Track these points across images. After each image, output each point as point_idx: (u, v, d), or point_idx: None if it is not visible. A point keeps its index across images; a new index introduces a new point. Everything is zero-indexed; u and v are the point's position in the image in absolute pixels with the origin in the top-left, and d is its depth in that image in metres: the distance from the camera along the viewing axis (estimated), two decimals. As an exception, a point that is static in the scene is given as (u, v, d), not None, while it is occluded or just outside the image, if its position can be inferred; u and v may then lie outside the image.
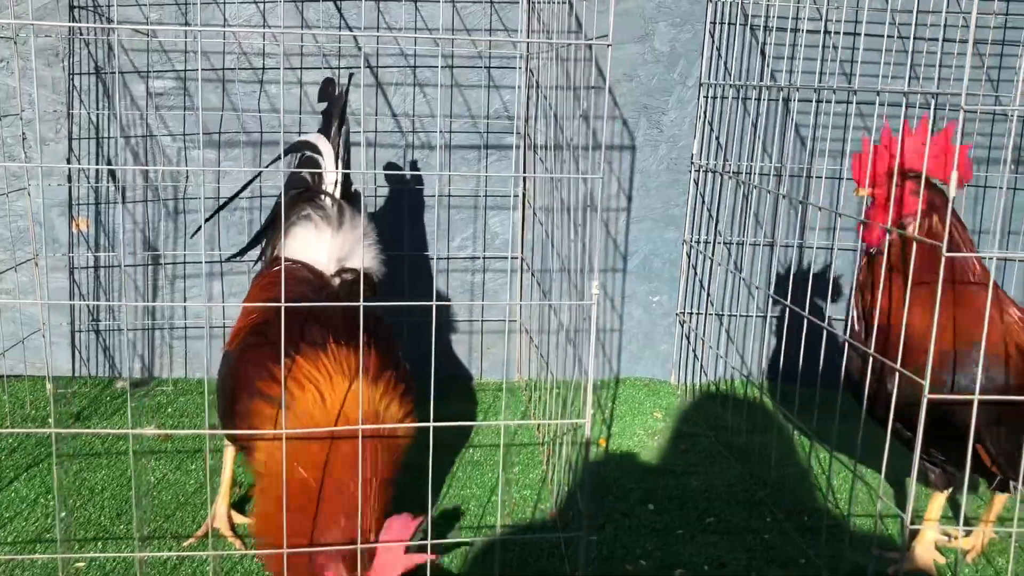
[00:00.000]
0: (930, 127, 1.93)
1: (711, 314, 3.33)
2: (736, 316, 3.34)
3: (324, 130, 2.44)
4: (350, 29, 3.12)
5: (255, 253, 2.53)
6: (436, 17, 3.14)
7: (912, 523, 2.15)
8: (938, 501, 2.17)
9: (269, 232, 2.47)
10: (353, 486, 1.66)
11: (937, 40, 3.24)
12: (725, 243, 3.30)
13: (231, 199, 2.52)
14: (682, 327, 3.36)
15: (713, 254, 3.28)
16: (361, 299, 1.69)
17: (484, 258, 3.32)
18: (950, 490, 2.15)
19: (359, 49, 3.14)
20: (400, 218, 3.25)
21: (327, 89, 2.60)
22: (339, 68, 3.15)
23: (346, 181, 2.45)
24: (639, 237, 3.36)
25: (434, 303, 1.66)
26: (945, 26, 3.25)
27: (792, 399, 2.41)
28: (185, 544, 2.13)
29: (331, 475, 1.71)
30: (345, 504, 1.68)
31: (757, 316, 3.35)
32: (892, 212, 1.97)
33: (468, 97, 3.21)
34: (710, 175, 3.25)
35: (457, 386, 3.30)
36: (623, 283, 3.39)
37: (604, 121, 2.53)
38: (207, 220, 3.05)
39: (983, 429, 1.88)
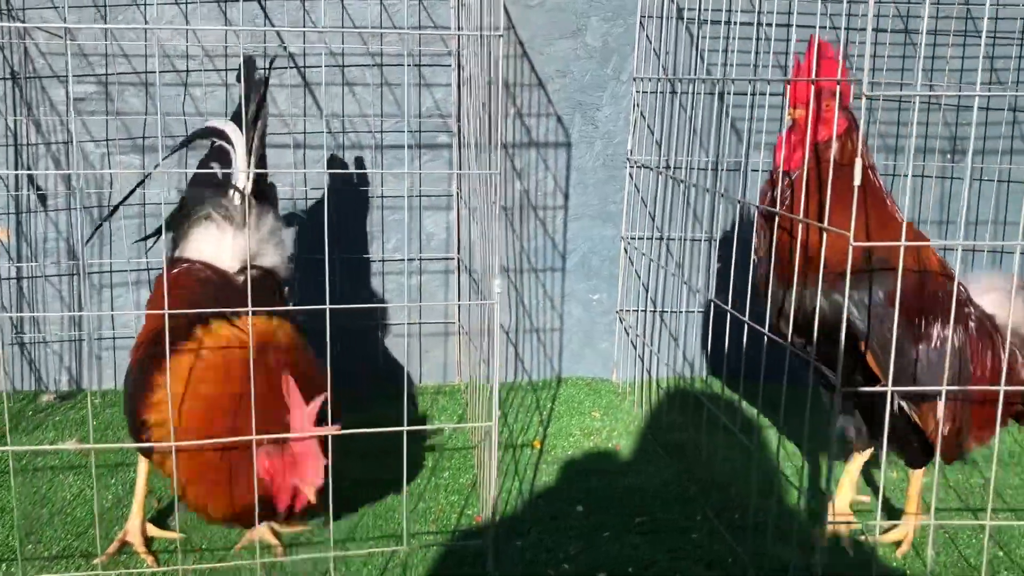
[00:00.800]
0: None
1: (650, 311, 3.30)
2: (675, 312, 3.31)
3: (236, 117, 2.33)
4: (275, 29, 3.06)
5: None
6: (364, 15, 3.08)
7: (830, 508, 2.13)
8: (856, 462, 2.16)
9: (174, 230, 2.37)
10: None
11: (866, 30, 3.24)
12: (662, 239, 3.27)
13: (123, 200, 2.44)
14: (622, 324, 3.32)
15: (651, 250, 3.25)
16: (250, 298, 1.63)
17: (420, 259, 3.27)
18: (869, 451, 2.14)
19: (284, 49, 3.07)
20: (332, 220, 3.18)
21: (248, 70, 2.42)
22: (266, 68, 3.07)
23: (259, 175, 2.34)
24: (578, 235, 3.32)
25: (327, 307, 1.61)
26: (878, 16, 3.25)
27: (732, 395, 2.38)
28: (95, 562, 2.06)
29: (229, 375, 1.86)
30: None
31: (698, 312, 3.32)
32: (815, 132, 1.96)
33: (399, 96, 3.15)
34: (646, 171, 3.22)
35: (395, 390, 3.24)
36: (563, 282, 3.35)
37: (500, 117, 2.48)
38: (100, 225, 2.99)
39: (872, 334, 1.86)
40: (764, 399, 2.32)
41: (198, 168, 2.38)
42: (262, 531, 2.12)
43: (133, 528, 2.14)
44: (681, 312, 3.32)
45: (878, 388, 1.70)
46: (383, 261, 3.24)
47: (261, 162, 2.35)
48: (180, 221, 2.30)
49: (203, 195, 2.27)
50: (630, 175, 3.22)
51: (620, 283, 3.31)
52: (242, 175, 2.28)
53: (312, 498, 1.76)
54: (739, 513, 2.30)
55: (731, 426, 2.20)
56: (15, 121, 2.98)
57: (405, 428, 1.67)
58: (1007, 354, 1.94)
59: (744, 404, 2.15)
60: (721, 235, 3.31)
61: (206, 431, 1.81)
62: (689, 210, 3.27)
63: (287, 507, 1.80)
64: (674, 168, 3.19)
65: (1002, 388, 1.74)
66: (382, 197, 3.21)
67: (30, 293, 3.08)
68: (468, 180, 3.24)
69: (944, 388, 1.76)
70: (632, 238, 3.25)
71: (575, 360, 3.39)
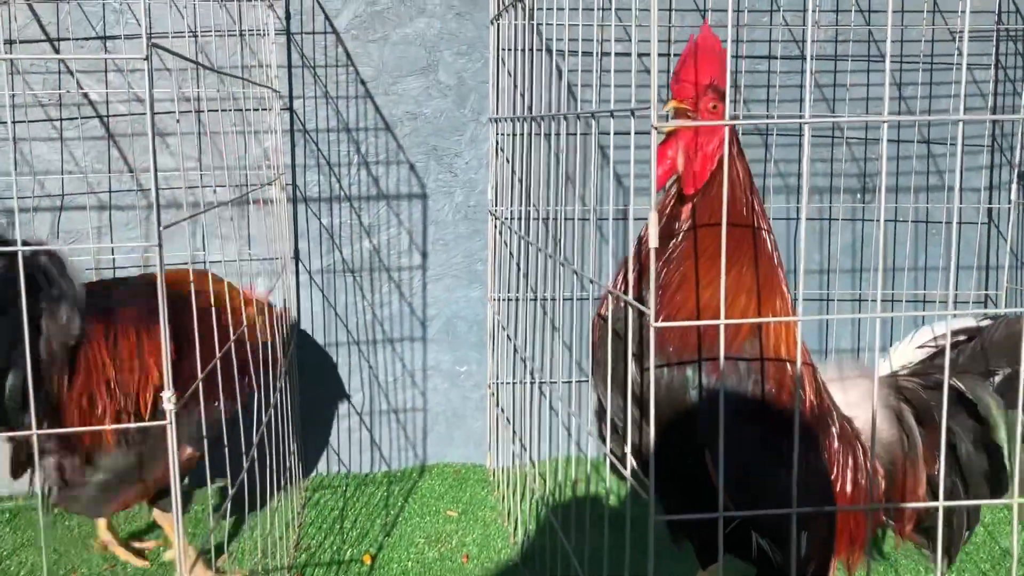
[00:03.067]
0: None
1: (527, 382, 2.85)
2: (557, 383, 2.87)
3: None
4: (72, 74, 2.63)
5: None
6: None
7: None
8: None
9: None
10: None
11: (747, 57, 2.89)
12: (535, 299, 2.84)
13: None
14: (494, 399, 2.87)
15: (522, 313, 2.81)
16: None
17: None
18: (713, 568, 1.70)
19: (84, 96, 2.64)
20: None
21: None
22: (60, 119, 2.65)
23: None
24: (439, 298, 2.89)
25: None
26: (771, 42, 2.88)
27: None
28: None
29: None
30: None
31: (576, 382, 2.89)
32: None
33: (221, 146, 2.72)
34: (511, 223, 2.79)
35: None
36: (424, 353, 2.90)
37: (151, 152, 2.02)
38: None
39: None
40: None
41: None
42: None
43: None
44: (564, 383, 2.88)
45: (705, 515, 1.25)
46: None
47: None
48: None
49: None
50: (494, 227, 2.80)
51: (489, 352, 2.86)
52: None
53: None
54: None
55: (565, 540, 1.75)
56: None
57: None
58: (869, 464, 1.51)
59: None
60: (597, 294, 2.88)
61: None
62: (561, 266, 2.84)
63: None
64: (545, 219, 2.77)
65: (868, 507, 1.30)
66: (205, 263, 2.76)
67: None
68: (308, 239, 2.80)
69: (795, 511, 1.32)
70: (500, 299, 2.81)
71: (442, 444, 2.93)
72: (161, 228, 1.22)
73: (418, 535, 2.40)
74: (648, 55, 2.57)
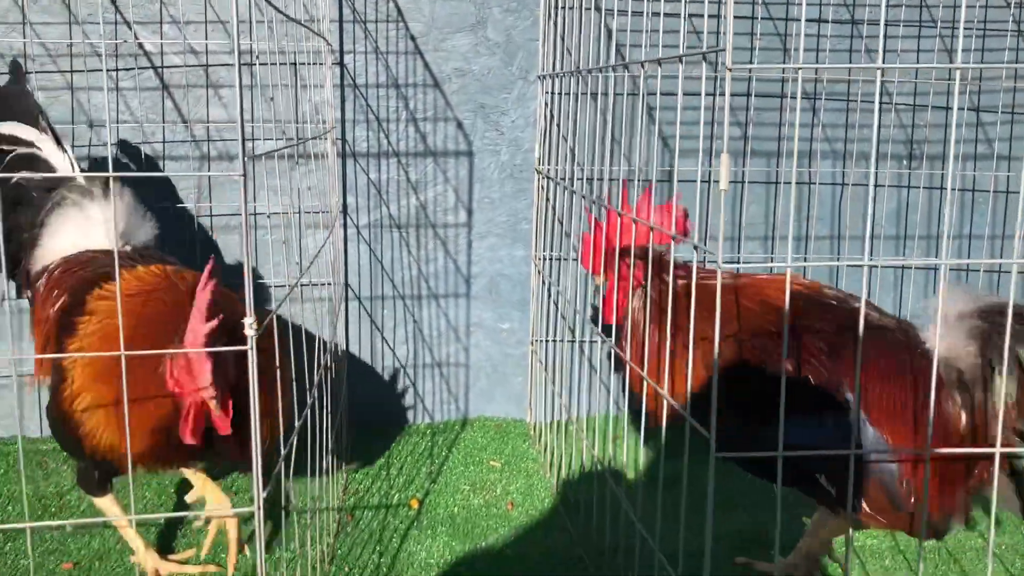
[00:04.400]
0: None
1: (568, 341, 2.89)
2: (597, 342, 2.90)
3: (19, 117, 2.03)
4: (128, 24, 2.67)
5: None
6: (227, 6, 2.69)
7: None
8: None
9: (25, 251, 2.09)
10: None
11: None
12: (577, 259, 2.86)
13: None
14: (536, 357, 2.91)
15: (564, 273, 2.84)
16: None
17: (301, 285, 2.85)
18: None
19: (139, 46, 2.68)
20: (195, 240, 2.78)
21: (17, 72, 2.33)
22: (116, 69, 2.69)
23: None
24: (484, 256, 2.92)
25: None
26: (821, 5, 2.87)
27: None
28: None
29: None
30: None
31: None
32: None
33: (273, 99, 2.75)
34: (557, 182, 2.82)
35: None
36: (468, 309, 2.94)
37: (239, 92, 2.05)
38: None
39: None
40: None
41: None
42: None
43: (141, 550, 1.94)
44: (604, 341, 2.90)
45: (768, 453, 1.28)
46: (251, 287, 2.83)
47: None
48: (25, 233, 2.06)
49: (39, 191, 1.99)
50: (540, 187, 2.82)
51: (532, 311, 2.90)
52: (57, 157, 2.00)
53: (217, 411, 1.56)
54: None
55: (614, 485, 1.79)
56: None
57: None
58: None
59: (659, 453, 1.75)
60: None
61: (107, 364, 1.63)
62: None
63: (197, 429, 1.58)
64: (591, 179, 2.79)
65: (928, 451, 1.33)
66: (254, 214, 2.81)
67: None
68: (356, 193, 2.84)
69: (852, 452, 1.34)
70: (544, 259, 2.84)
71: (484, 399, 2.98)
72: (245, 158, 1.25)
73: (463, 483, 2.45)
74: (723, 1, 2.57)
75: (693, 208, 1.89)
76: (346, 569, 2.00)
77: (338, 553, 2.06)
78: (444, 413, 2.97)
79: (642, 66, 1.71)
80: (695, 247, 1.49)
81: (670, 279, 1.71)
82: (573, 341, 2.86)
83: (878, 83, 1.25)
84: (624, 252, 1.89)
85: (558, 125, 2.78)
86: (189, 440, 1.58)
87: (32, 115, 2.11)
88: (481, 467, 2.56)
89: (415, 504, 2.32)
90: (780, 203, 2.96)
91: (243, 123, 1.26)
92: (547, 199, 2.81)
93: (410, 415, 2.95)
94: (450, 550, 2.09)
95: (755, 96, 2.87)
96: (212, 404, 1.56)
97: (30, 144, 2.04)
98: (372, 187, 2.85)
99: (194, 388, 1.54)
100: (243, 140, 1.26)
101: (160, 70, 2.71)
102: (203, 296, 1.53)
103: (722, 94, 2.81)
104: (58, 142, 2.10)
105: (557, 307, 2.87)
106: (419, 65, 2.81)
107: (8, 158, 2.05)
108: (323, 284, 2.88)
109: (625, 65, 2.75)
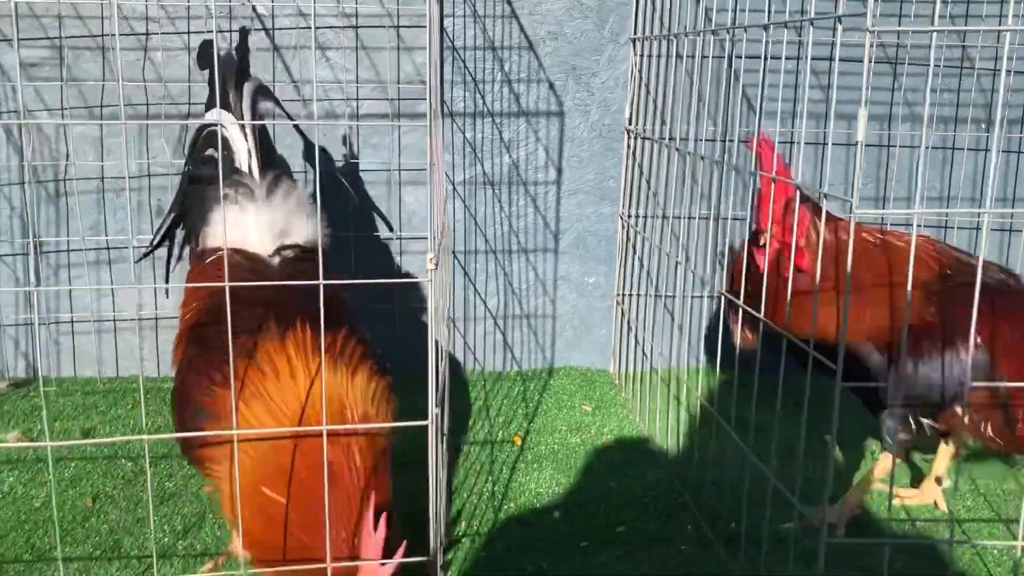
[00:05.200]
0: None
1: (652, 295, 3.02)
2: (679, 297, 3.03)
3: (221, 103, 2.15)
4: (242, -12, 2.82)
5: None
6: (336, -28, 2.83)
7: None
8: (881, 467, 2.00)
9: (187, 223, 2.19)
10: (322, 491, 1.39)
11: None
12: (665, 217, 2.99)
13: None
14: (620, 310, 3.05)
15: (652, 230, 2.97)
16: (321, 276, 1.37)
17: (400, 238, 3.02)
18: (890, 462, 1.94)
19: (252, 8, 2.83)
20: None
21: (208, 53, 2.33)
22: (229, 31, 2.84)
23: (266, 149, 2.19)
24: (572, 213, 3.05)
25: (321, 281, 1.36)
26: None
27: (745, 389, 2.10)
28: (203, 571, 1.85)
29: (300, 483, 1.44)
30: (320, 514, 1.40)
31: (704, 297, 3.04)
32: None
33: (376, 61, 2.90)
34: (646, 142, 2.94)
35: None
36: (555, 264, 3.08)
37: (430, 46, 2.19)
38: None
39: None
40: (770, 396, 2.05)
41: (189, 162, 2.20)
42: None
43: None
44: (686, 297, 3.04)
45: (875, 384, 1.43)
46: (353, 239, 3.00)
47: (262, 134, 2.20)
48: (194, 210, 2.13)
49: (211, 180, 2.08)
50: (629, 147, 2.95)
51: (618, 266, 3.04)
52: (241, 149, 2.09)
53: None
54: (735, 522, 2.03)
55: (724, 423, 1.93)
56: (-37, 88, 2.77)
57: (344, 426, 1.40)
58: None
59: (750, 401, 1.88)
60: (730, 214, 3.02)
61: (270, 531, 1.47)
62: (695, 186, 2.98)
63: None
64: (678, 139, 2.91)
65: None
66: (359, 171, 2.96)
67: (-17, 273, 2.88)
68: (452, 152, 2.98)
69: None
70: (631, 216, 2.97)
71: (569, 349, 3.13)
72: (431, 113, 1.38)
73: (559, 423, 2.61)
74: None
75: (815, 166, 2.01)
76: (465, 495, 2.17)
77: (454, 481, 2.23)
78: (531, 362, 3.13)
79: (783, 27, 1.81)
80: (822, 195, 1.61)
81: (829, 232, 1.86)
82: (657, 295, 2.99)
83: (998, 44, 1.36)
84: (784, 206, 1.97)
85: (646, 87, 2.90)
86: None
87: (233, 90, 2.17)
88: (574, 410, 2.72)
89: (518, 441, 2.48)
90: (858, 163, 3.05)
91: (437, 81, 1.40)
92: (634, 158, 2.93)
93: (500, 363, 3.11)
94: (556, 482, 2.25)
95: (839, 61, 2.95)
96: None
97: (221, 127, 2.13)
98: (468, 146, 2.99)
99: None
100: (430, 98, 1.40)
101: (271, 32, 2.86)
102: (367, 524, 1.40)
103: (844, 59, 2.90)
104: (245, 128, 2.12)
105: (643, 264, 3.00)
106: (515, 28, 2.93)
107: (203, 134, 2.17)
108: (420, 238, 3.04)
109: (708, 32, 2.84)
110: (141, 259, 2.45)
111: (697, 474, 2.24)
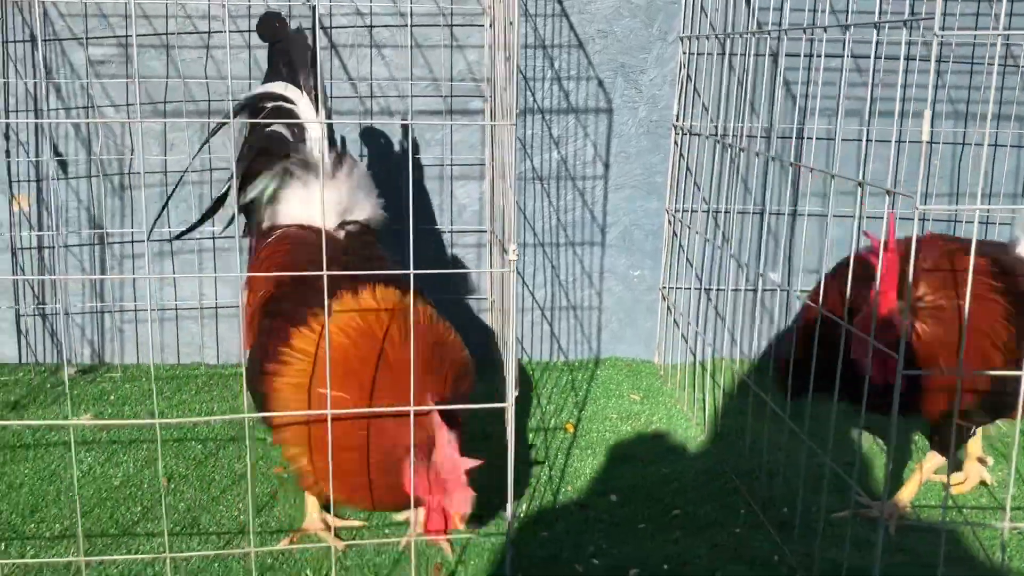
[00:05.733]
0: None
1: (696, 288, 3.09)
2: (723, 290, 3.10)
3: (288, 76, 2.21)
4: (301, -12, 2.91)
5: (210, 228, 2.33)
6: (393, -28, 2.91)
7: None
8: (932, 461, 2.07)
9: (249, 203, 2.25)
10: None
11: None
12: (710, 212, 3.05)
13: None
14: (665, 303, 3.12)
15: (696, 224, 3.04)
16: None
17: (452, 232, 3.10)
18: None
19: (310, 8, 2.92)
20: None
21: (273, 24, 2.34)
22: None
23: (330, 130, 2.27)
24: (619, 207, 3.12)
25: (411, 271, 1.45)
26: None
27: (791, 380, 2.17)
28: (281, 546, 1.94)
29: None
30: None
31: (745, 290, 3.10)
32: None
33: (430, 59, 2.98)
34: (693, 138, 3.00)
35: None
36: (602, 257, 3.16)
37: (515, 54, 2.27)
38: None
39: None
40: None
41: (250, 136, 2.26)
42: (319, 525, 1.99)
43: (313, 518, 2.00)
44: (731, 290, 3.10)
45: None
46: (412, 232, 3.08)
47: (328, 115, 2.26)
48: (255, 188, 2.21)
49: (276, 156, 2.14)
50: (676, 143, 3.01)
51: (664, 259, 3.10)
52: (313, 125, 2.15)
53: (460, 525, 1.60)
54: (786, 507, 2.10)
55: (779, 411, 2.00)
56: (35, 84, 2.88)
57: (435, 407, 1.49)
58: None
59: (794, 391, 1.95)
60: (775, 207, 3.09)
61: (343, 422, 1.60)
62: (740, 180, 3.04)
63: (435, 528, 1.62)
64: (726, 135, 2.97)
65: None
66: (411, 166, 3.04)
67: (51, 263, 2.99)
68: (502, 146, 3.06)
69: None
70: (677, 210, 3.04)
71: (615, 340, 3.21)
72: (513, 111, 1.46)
73: (609, 412, 2.69)
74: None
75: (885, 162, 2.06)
76: (522, 479, 2.25)
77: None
78: (578, 352, 3.20)
79: (846, 29, 1.87)
80: (888, 192, 1.67)
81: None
82: (703, 289, 3.06)
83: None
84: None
85: (694, 86, 2.96)
86: (430, 530, 1.63)
87: (304, 68, 2.20)
88: (622, 400, 2.79)
89: (570, 428, 2.56)
90: (905, 161, 3.10)
91: (517, 78, 1.48)
92: (681, 153, 3.00)
93: (547, 353, 3.19)
94: (610, 468, 2.33)
95: (884, 59, 3.00)
96: (459, 519, 1.58)
97: (289, 102, 2.21)
98: (517, 141, 3.07)
99: (439, 498, 1.57)
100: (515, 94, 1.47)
101: (329, 30, 2.95)
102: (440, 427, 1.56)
103: (905, 58, 2.95)
104: (317, 104, 2.15)
105: (688, 257, 3.07)
106: (564, 26, 3.00)
107: (268, 110, 2.23)
108: (472, 231, 3.12)
109: (755, 34, 2.90)
110: (183, 234, 2.40)
111: (747, 461, 2.31)
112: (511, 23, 1.78)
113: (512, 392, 1.52)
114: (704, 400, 2.72)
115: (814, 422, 1.86)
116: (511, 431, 1.58)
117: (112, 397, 2.76)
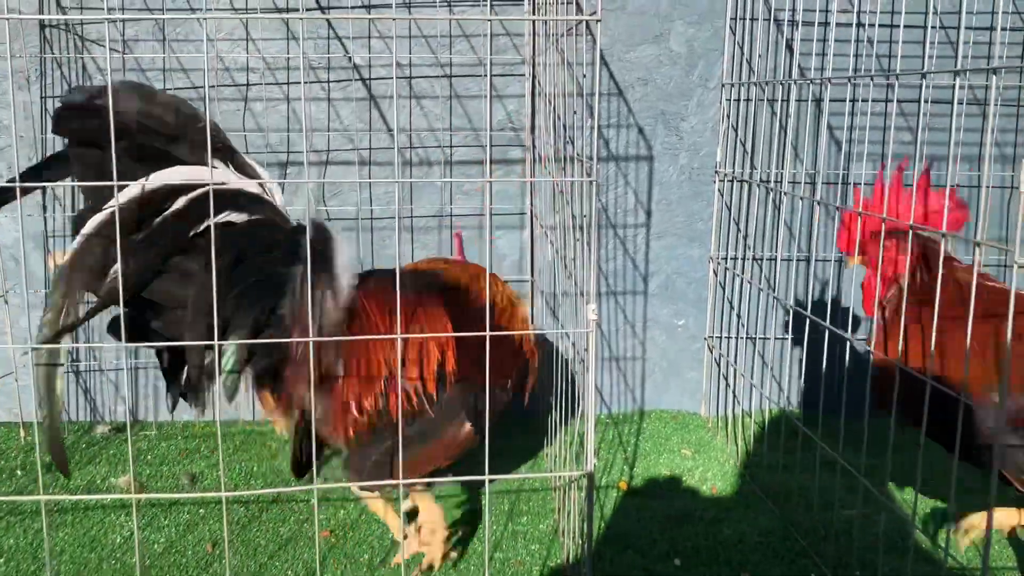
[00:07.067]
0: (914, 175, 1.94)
1: (743, 338, 3.02)
2: (771, 339, 3.03)
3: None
4: (339, 39, 2.89)
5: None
6: (432, 23, 2.90)
7: None
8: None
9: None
10: None
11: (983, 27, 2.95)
12: (755, 259, 3.00)
13: None
14: (711, 353, 3.05)
15: (743, 271, 2.98)
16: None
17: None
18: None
19: (349, 60, 2.90)
20: (401, 238, 2.98)
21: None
22: (328, 81, 2.91)
23: None
24: (661, 255, 3.07)
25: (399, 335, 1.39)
26: (994, 12, 2.94)
27: (837, 431, 2.09)
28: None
29: None
30: None
31: (794, 339, 3.03)
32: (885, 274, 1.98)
33: (468, 109, 2.95)
34: (736, 185, 2.95)
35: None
36: (644, 306, 3.09)
37: (596, 96, 2.24)
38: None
39: None
40: (876, 438, 2.03)
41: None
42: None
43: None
44: (779, 339, 3.03)
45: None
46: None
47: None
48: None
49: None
50: (719, 190, 2.96)
51: (709, 307, 3.04)
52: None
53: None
54: (859, 570, 2.01)
55: (852, 469, 1.92)
56: (72, 140, 2.85)
57: (487, 477, 1.43)
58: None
59: (853, 444, 1.88)
60: (820, 254, 3.02)
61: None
62: (784, 227, 2.99)
63: None
64: (771, 182, 2.93)
65: None
66: (451, 216, 3.01)
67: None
68: (543, 197, 3.02)
69: None
70: (722, 258, 2.98)
71: (659, 391, 3.13)
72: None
73: (662, 468, 2.60)
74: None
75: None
76: (580, 540, 2.16)
77: (562, 526, 2.23)
78: (621, 404, 3.13)
79: (921, 76, 1.83)
80: (976, 243, 1.61)
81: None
82: (755, 338, 2.99)
83: None
84: (889, 234, 1.97)
85: (737, 133, 2.92)
86: None
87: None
88: (674, 455, 2.71)
89: (624, 486, 2.48)
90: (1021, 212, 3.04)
91: (598, 129, 1.43)
92: (725, 200, 2.95)
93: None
94: (671, 528, 2.24)
95: (930, 103, 2.96)
96: None
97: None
98: (556, 189, 3.02)
99: None
100: (595, 146, 1.43)
101: (368, 82, 2.93)
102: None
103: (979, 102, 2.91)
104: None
105: (733, 306, 3.00)
106: (604, 75, 2.98)
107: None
108: (513, 281, 3.06)
109: (797, 82, 2.86)
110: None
111: (813, 519, 2.22)
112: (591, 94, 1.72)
113: (592, 459, 1.45)
114: (759, 455, 2.63)
115: (894, 476, 1.78)
116: (590, 497, 1.51)
117: (148, 457, 2.69)
